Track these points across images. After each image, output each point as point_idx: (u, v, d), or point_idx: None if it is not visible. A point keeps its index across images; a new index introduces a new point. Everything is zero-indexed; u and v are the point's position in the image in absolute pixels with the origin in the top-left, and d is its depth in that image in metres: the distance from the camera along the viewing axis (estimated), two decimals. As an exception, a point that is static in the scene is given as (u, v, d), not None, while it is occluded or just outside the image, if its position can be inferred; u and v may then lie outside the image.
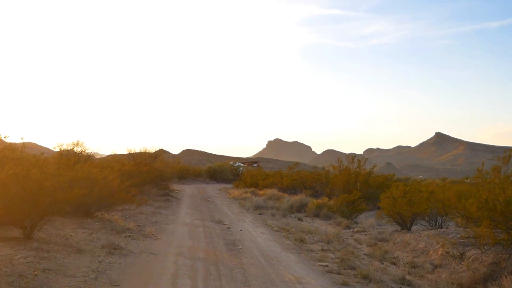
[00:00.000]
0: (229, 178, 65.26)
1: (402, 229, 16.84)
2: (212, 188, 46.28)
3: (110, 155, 41.23)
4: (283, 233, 16.65)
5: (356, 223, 19.99)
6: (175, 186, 40.28)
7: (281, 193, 32.17)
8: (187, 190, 39.72)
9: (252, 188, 38.06)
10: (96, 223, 13.67)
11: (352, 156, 23.97)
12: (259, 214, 22.98)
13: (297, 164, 33.35)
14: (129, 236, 12.55)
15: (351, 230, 18.57)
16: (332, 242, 15.38)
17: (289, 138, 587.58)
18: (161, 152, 39.73)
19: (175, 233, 14.22)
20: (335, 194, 24.68)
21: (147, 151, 39.36)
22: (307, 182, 32.09)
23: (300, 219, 21.94)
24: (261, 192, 35.67)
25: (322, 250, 13.91)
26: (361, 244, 16.10)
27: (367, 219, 21.44)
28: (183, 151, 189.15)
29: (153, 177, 26.36)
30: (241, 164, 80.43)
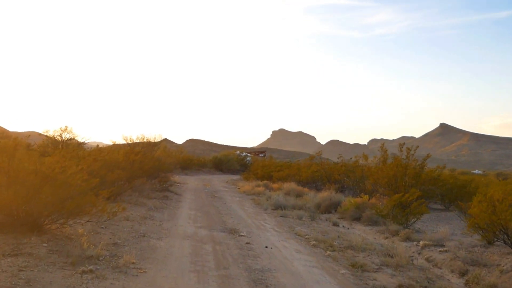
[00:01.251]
0: (235, 168, 60.09)
1: (490, 244, 11.69)
2: (219, 180, 41.15)
3: (109, 144, 36.11)
4: (326, 251, 11.51)
5: (417, 231, 14.78)
6: (177, 178, 35.12)
7: (300, 188, 27.01)
8: (190, 183, 34.59)
9: (265, 181, 32.91)
10: (45, 244, 8.51)
11: (401, 143, 18.67)
12: (281, 216, 17.82)
13: (319, 153, 27.92)
14: (91, 271, 7.39)
15: (415, 243, 13.37)
16: (402, 267, 10.24)
17: (293, 128, 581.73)
18: (162, 140, 34.48)
19: (168, 260, 9.00)
20: (377, 191, 19.46)
21: (146, 139, 34.23)
22: (333, 175, 26.87)
23: (335, 224, 16.77)
24: (275, 186, 30.57)
25: (400, 286, 8.76)
26: (441, 268, 10.95)
27: (426, 226, 16.24)
28: (187, 140, 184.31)
29: (147, 169, 21.18)
30: (248, 154, 75.18)
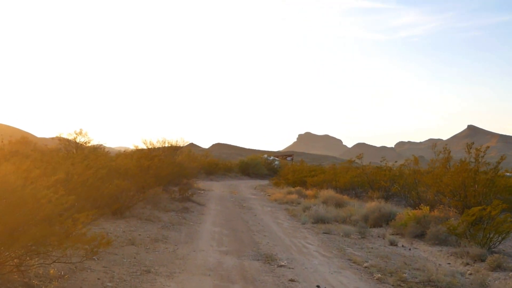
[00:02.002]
0: (263, 173, 56.87)
1: None
2: (246, 186, 37.98)
3: (134, 149, 33.30)
4: (399, 290, 8.25)
5: (508, 255, 11.34)
6: (201, 184, 32.12)
7: (338, 195, 23.63)
8: (215, 189, 31.51)
9: (297, 187, 29.62)
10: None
11: (469, 144, 15.15)
12: (324, 233, 14.54)
13: (360, 155, 24.46)
14: None
15: (510, 273, 9.96)
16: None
17: (319, 132, 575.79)
18: (188, 145, 31.55)
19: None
20: (440, 202, 16.00)
21: (167, 143, 31.34)
22: (377, 182, 23.43)
23: (393, 243, 13.40)
24: (309, 193, 27.29)
25: None
26: None
27: (510, 247, 12.77)
28: (213, 145, 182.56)
29: (165, 176, 18.18)
30: (276, 158, 71.88)
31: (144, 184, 14.70)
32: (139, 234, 10.99)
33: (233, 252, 10.43)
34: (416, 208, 16.09)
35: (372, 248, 12.57)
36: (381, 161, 25.50)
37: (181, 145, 31.35)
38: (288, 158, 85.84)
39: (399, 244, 13.50)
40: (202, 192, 27.55)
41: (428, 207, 15.15)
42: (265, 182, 46.78)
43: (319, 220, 16.77)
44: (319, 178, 27.88)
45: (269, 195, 28.92)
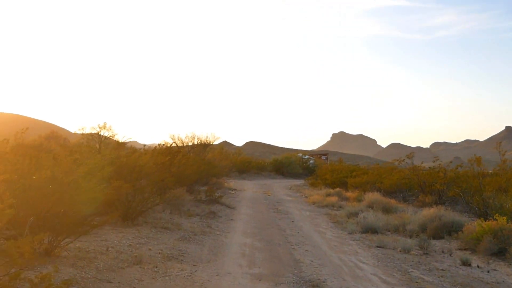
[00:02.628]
0: (298, 172, 54.24)
1: None
2: (280, 186, 35.49)
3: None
4: None
5: None
6: (232, 183, 29.79)
7: (385, 199, 20.87)
8: (248, 189, 29.13)
9: (337, 189, 26.95)
10: None
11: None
12: (378, 247, 11.91)
13: (411, 155, 21.61)
14: None
15: None
16: None
17: (353, 131, 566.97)
18: (216, 139, 29.30)
19: None
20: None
21: (197, 139, 29.13)
22: (431, 185, 20.58)
23: (465, 263, 10.68)
24: (350, 195, 24.61)
25: None
26: None
27: None
28: (246, 143, 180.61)
29: (190, 174, 15.86)
30: (311, 157, 69.05)
31: (163, 184, 12.37)
32: (149, 249, 8.64)
33: (268, 276, 7.96)
34: (483, 217, 13.25)
35: (442, 270, 9.88)
36: (433, 161, 22.55)
37: (211, 141, 29.09)
38: (323, 157, 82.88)
39: (473, 264, 10.76)
40: (233, 192, 25.21)
41: (505, 218, 12.33)
42: (300, 182, 44.17)
43: (368, 229, 14.13)
44: (362, 179, 25.12)
45: (306, 197, 26.36)
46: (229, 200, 20.28)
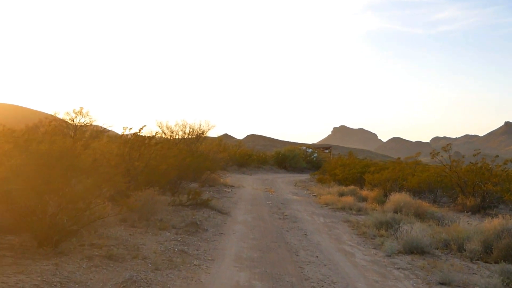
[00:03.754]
0: (302, 166, 50.19)
1: None
2: (284, 182, 31.37)
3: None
4: None
5: None
6: (230, 179, 25.64)
7: (415, 200, 16.70)
8: (247, 186, 25.00)
9: (351, 186, 22.81)
10: None
11: None
12: (442, 284, 7.78)
13: (447, 147, 17.40)
14: None
15: None
16: None
17: (354, 125, 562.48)
18: (210, 128, 25.10)
19: None
20: None
21: (188, 127, 25.01)
22: (476, 185, 16.41)
23: None
24: (367, 194, 20.54)
25: None
26: None
27: None
28: (247, 136, 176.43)
29: (165, 171, 11.63)
30: (309, 150, 64.76)
31: (120, 184, 8.22)
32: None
33: None
34: None
35: None
36: (432, 157, 18.39)
37: (205, 131, 24.89)
38: (326, 151, 78.79)
39: None
40: (230, 190, 21.06)
41: None
42: (304, 176, 40.05)
43: (413, 248, 10.01)
44: (382, 176, 20.91)
45: (315, 196, 22.24)
46: (223, 201, 16.15)
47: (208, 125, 25.04)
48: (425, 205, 16.53)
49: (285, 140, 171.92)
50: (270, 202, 17.68)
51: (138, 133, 11.15)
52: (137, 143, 10.23)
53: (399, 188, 21.14)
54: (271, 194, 21.36)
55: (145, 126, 11.27)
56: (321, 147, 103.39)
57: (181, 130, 24.65)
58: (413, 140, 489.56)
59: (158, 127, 24.33)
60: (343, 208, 17.28)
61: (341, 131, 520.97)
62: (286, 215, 14.35)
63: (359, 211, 16.93)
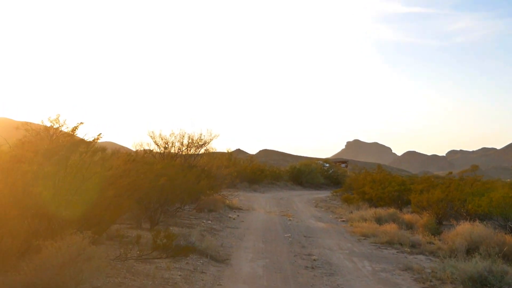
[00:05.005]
0: (319, 182, 45.26)
1: None
2: (302, 201, 26.58)
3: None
4: None
5: None
6: (237, 200, 20.90)
7: (497, 233, 11.82)
8: (258, 208, 20.26)
9: (390, 209, 17.92)
10: None
11: None
12: None
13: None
14: None
15: None
16: None
17: (368, 139, 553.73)
18: (213, 138, 20.36)
19: None
20: None
21: (186, 138, 20.43)
22: None
23: None
24: (412, 219, 15.78)
25: None
26: None
27: None
28: (260, 151, 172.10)
29: (119, 200, 6.90)
30: (327, 165, 59.77)
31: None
32: None
33: None
34: None
35: None
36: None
37: (207, 141, 20.20)
38: (343, 165, 73.86)
39: None
40: (236, 216, 16.31)
41: None
42: (324, 194, 35.13)
43: None
44: (433, 196, 16.01)
45: (344, 221, 17.48)
46: (223, 236, 11.42)
47: (211, 135, 20.36)
48: (508, 239, 11.65)
49: (298, 154, 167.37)
50: (289, 234, 12.85)
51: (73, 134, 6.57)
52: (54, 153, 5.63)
53: (456, 213, 16.31)
54: (289, 220, 16.57)
55: (81, 123, 6.76)
56: (338, 161, 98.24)
57: (179, 141, 20.02)
58: (429, 153, 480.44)
59: (150, 138, 19.74)
60: (390, 243, 12.43)
61: (354, 145, 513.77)
62: (315, 260, 9.53)
63: (413, 247, 12.10)
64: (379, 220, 16.42)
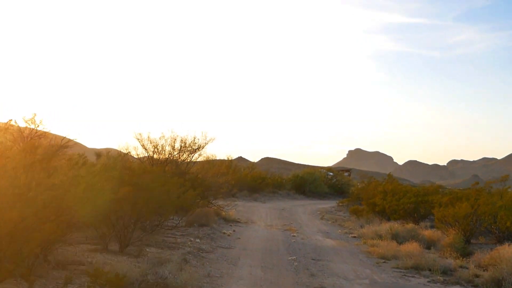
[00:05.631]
0: (322, 191, 42.89)
1: None
2: (306, 212, 24.31)
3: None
4: None
5: None
6: (234, 212, 18.58)
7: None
8: (258, 221, 18.02)
9: (409, 223, 15.65)
10: None
11: None
12: None
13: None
14: None
15: None
16: None
17: (370, 148, 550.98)
18: (208, 141, 18.08)
19: None
20: None
21: (179, 141, 18.29)
22: None
23: None
24: (433, 236, 13.59)
25: None
26: None
27: None
28: (262, 159, 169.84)
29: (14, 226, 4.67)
30: (331, 173, 57.37)
31: None
32: None
33: None
34: None
35: None
36: None
37: (201, 146, 17.95)
38: (346, 174, 71.48)
39: None
40: (232, 231, 14.01)
41: None
42: (328, 204, 32.78)
43: None
44: (459, 210, 13.72)
45: (355, 236, 15.23)
46: (212, 259, 9.13)
47: (206, 138, 18.11)
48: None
49: (300, 163, 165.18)
50: (294, 257, 10.54)
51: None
52: None
53: (485, 230, 14.04)
54: (293, 236, 14.28)
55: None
56: (340, 170, 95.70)
57: (170, 145, 17.79)
58: (430, 163, 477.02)
59: (137, 141, 17.53)
60: (416, 268, 10.15)
61: (356, 154, 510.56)
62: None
63: (445, 273, 9.84)
64: (396, 237, 14.18)
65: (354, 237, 15.43)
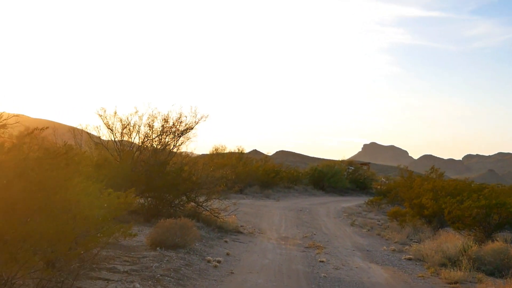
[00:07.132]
0: (343, 186, 37.49)
1: None
2: (329, 214, 19.10)
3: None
4: None
5: None
6: (234, 217, 13.26)
7: None
8: (268, 230, 12.85)
9: (497, 242, 10.31)
10: None
11: None
12: None
13: None
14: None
15: None
16: None
17: (385, 142, 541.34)
18: (200, 119, 12.78)
19: None
20: None
21: (160, 118, 12.95)
22: None
23: None
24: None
25: None
26: None
27: None
28: (276, 152, 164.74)
29: None
30: (352, 167, 51.70)
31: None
32: None
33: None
34: None
35: None
36: None
37: (190, 126, 12.75)
38: (364, 167, 65.92)
39: None
40: (222, 258, 8.74)
41: None
42: (352, 201, 27.48)
43: None
44: None
45: (409, 257, 9.97)
46: None
47: (196, 116, 12.85)
48: None
49: (315, 156, 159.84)
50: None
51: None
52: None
53: None
54: (321, 261, 9.03)
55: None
56: (359, 163, 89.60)
57: (146, 124, 12.57)
58: (445, 157, 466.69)
59: (100, 118, 12.37)
60: None
61: (371, 147, 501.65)
62: None
63: None
64: (480, 262, 8.95)
65: (410, 259, 10.16)
